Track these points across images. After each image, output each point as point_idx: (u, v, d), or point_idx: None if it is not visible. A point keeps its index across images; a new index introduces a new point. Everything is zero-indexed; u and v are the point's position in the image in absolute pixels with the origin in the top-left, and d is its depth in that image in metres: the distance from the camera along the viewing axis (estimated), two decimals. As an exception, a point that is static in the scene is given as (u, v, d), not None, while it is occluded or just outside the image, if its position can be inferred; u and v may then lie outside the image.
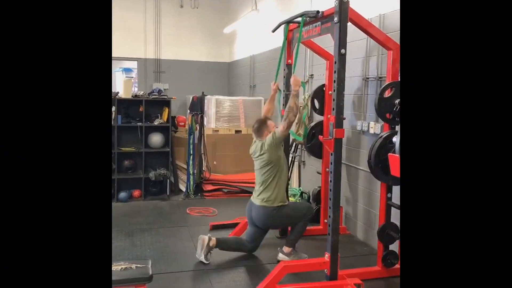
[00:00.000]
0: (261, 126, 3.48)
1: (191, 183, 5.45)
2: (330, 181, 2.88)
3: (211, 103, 6.18)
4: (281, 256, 3.41)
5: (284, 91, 3.83)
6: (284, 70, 3.85)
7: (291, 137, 4.54)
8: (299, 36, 3.37)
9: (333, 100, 2.82)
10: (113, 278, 1.96)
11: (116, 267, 2.10)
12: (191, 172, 5.46)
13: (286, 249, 3.43)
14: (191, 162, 5.48)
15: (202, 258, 3.33)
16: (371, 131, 3.66)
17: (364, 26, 3.00)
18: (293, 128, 4.64)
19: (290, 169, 4.95)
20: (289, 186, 4.25)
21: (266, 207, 3.33)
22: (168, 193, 5.43)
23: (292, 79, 3.26)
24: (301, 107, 4.72)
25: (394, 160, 2.64)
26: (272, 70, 5.49)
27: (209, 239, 3.35)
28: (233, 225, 4.03)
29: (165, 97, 5.52)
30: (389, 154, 2.77)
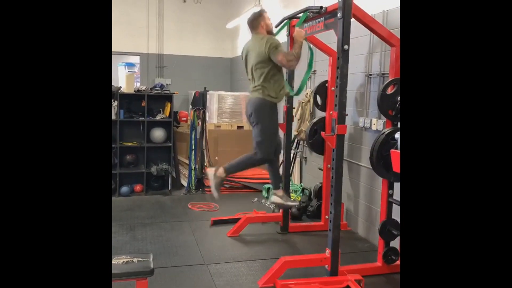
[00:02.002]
0: (256, 17, 3.45)
1: (193, 178, 5.46)
2: (332, 177, 2.88)
3: (213, 99, 6.18)
4: (274, 198, 3.60)
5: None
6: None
7: (293, 134, 4.54)
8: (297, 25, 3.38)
9: (336, 96, 2.81)
10: (115, 271, 1.97)
11: (117, 260, 2.11)
12: (193, 167, 5.46)
13: (278, 192, 3.58)
14: (192, 157, 5.49)
15: (216, 192, 3.48)
16: (373, 127, 3.65)
17: (367, 22, 2.98)
18: (295, 124, 4.65)
19: (292, 165, 4.96)
20: (290, 182, 4.25)
21: (258, 97, 3.36)
22: (169, 188, 5.44)
23: (295, 31, 3.28)
24: (303, 103, 4.72)
25: (397, 156, 2.64)
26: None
27: (216, 170, 3.44)
28: (235, 220, 4.04)
29: (168, 92, 5.52)
30: (391, 150, 2.77)
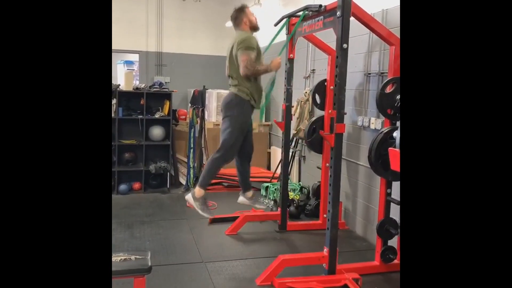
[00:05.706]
0: (238, 13, 3.43)
1: (191, 176, 5.46)
2: (330, 176, 2.88)
3: (212, 97, 6.18)
4: (241, 199, 3.61)
5: (285, 85, 3.84)
6: (286, 64, 3.85)
7: (292, 133, 4.55)
8: (294, 29, 3.38)
9: (334, 95, 2.81)
10: (113, 269, 1.96)
11: (115, 258, 2.11)
12: (191, 166, 5.46)
13: (248, 193, 3.59)
14: (191, 155, 5.49)
15: (205, 213, 3.41)
16: (372, 126, 3.66)
17: (366, 21, 2.99)
18: (294, 123, 4.65)
19: (291, 164, 4.95)
20: (288, 181, 4.26)
21: (233, 92, 3.37)
22: (168, 186, 5.44)
23: (276, 59, 3.36)
24: (302, 102, 4.72)
25: (394, 154, 2.64)
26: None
27: (192, 193, 3.41)
28: (233, 219, 4.05)
29: (166, 90, 5.52)
30: (389, 148, 2.77)
